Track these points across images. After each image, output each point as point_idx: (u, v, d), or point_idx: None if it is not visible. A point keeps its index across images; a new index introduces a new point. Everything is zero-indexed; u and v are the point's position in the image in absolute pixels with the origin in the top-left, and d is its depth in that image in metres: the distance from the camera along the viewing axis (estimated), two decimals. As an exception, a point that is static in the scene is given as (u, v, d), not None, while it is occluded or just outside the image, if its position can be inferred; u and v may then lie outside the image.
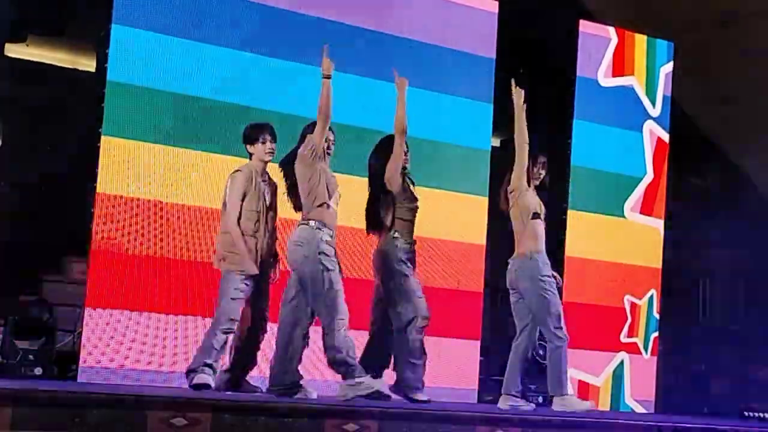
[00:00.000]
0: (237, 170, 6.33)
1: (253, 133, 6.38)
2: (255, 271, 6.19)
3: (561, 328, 6.54)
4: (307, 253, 6.00)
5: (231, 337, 6.19)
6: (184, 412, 4.87)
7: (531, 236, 6.60)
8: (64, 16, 7.84)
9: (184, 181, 7.00)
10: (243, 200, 6.23)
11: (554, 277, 6.73)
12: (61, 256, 7.12)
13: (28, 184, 7.83)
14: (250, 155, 6.39)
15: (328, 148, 6.20)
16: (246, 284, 6.18)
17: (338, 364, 5.98)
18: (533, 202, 6.65)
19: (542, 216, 6.67)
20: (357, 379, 5.93)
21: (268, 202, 6.32)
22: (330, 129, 6.19)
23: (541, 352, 8.40)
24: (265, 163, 6.36)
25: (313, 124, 6.13)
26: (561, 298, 6.92)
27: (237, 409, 5.10)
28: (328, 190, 6.11)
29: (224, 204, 6.30)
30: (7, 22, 7.51)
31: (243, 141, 6.41)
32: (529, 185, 6.66)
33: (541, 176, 6.76)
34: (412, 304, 6.37)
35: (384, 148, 6.55)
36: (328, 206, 6.10)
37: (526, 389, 6.77)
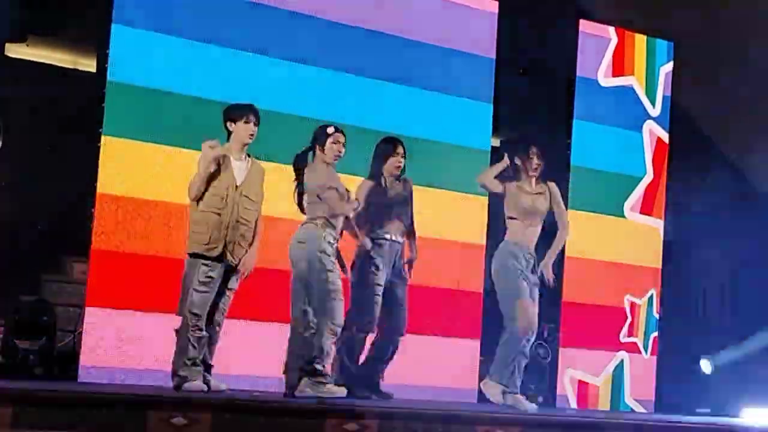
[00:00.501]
0: (213, 142, 6.14)
1: (236, 111, 6.18)
2: (214, 252, 6.04)
3: (512, 319, 6.59)
4: (309, 250, 6.03)
5: (204, 331, 6.07)
6: (184, 412, 4.87)
7: (508, 232, 6.78)
8: (64, 16, 7.84)
9: (184, 181, 6.97)
10: (211, 174, 6.03)
11: (541, 273, 6.75)
12: (61, 256, 7.12)
13: (29, 184, 7.82)
14: (229, 134, 6.18)
15: (339, 152, 6.22)
16: (211, 276, 6.05)
17: (306, 364, 6.00)
18: (514, 203, 6.75)
19: (522, 218, 6.71)
20: (325, 386, 5.99)
21: (238, 182, 6.13)
22: (341, 132, 6.24)
23: (540, 351, 8.43)
24: (244, 145, 6.17)
25: (324, 126, 6.25)
26: (559, 296, 6.97)
27: (237, 409, 5.10)
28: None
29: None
30: (7, 22, 7.51)
31: (224, 119, 6.20)
32: (525, 177, 6.71)
33: (538, 167, 6.77)
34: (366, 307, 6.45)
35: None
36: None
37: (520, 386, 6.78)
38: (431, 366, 7.79)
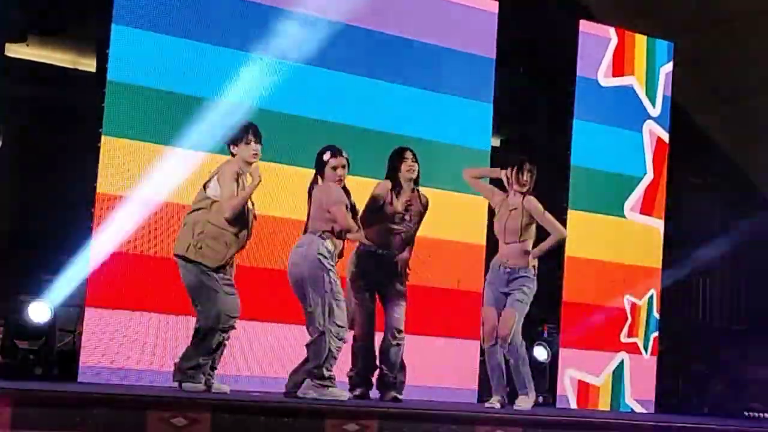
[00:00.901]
0: (227, 162, 6.15)
1: (236, 135, 6.18)
2: (221, 267, 6.03)
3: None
4: (306, 253, 6.04)
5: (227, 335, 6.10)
6: (184, 412, 4.87)
7: None
8: (64, 16, 7.84)
9: (184, 181, 6.98)
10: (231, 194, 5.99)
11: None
12: (61, 256, 7.11)
13: (29, 184, 7.82)
14: (233, 156, 6.16)
15: (340, 176, 6.20)
16: (232, 280, 6.08)
17: (313, 367, 6.02)
18: (495, 222, 6.80)
19: (499, 236, 6.74)
20: (328, 389, 5.99)
21: (251, 205, 6.14)
22: (339, 155, 6.20)
23: (537, 352, 8.42)
24: (250, 164, 6.15)
25: (321, 153, 6.22)
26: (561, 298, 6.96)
27: (237, 409, 5.10)
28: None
29: (205, 191, 6.11)
30: (7, 22, 7.50)
31: (226, 142, 6.22)
32: (511, 191, 6.68)
33: (526, 183, 6.69)
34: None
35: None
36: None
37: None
38: (431, 366, 7.79)
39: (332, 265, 6.09)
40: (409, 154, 6.67)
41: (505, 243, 6.67)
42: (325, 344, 5.98)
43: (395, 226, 6.58)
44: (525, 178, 6.64)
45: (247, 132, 6.16)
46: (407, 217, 6.62)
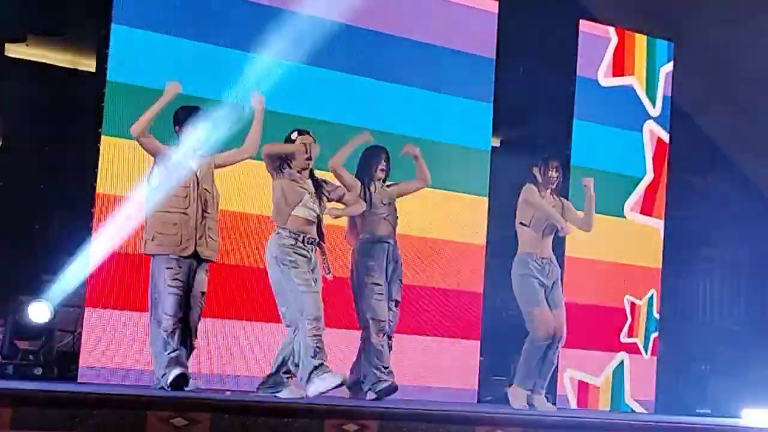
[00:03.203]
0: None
1: (183, 115, 6.17)
2: (188, 251, 6.01)
3: (531, 328, 6.70)
4: (267, 253, 6.04)
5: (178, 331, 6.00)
6: (184, 412, 4.87)
7: (521, 242, 6.84)
8: (64, 16, 7.83)
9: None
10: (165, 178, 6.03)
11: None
12: (61, 256, 7.12)
13: (28, 183, 7.82)
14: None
15: (309, 158, 6.18)
16: (180, 269, 6.00)
17: (291, 365, 6.00)
18: (532, 211, 6.82)
19: (539, 227, 6.78)
20: (319, 376, 5.93)
21: (200, 182, 6.11)
22: (308, 133, 6.20)
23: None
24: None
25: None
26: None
27: (237, 409, 5.09)
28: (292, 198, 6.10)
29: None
30: (7, 22, 7.51)
31: (173, 123, 6.19)
32: (541, 189, 6.76)
33: (555, 180, 6.84)
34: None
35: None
36: (291, 214, 6.07)
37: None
38: (431, 366, 7.79)
39: (292, 261, 5.97)
40: (383, 156, 6.71)
41: (543, 235, 6.79)
42: (298, 340, 5.91)
43: (381, 213, 6.62)
44: (552, 174, 6.82)
45: (194, 114, 6.16)
46: (385, 201, 6.66)
